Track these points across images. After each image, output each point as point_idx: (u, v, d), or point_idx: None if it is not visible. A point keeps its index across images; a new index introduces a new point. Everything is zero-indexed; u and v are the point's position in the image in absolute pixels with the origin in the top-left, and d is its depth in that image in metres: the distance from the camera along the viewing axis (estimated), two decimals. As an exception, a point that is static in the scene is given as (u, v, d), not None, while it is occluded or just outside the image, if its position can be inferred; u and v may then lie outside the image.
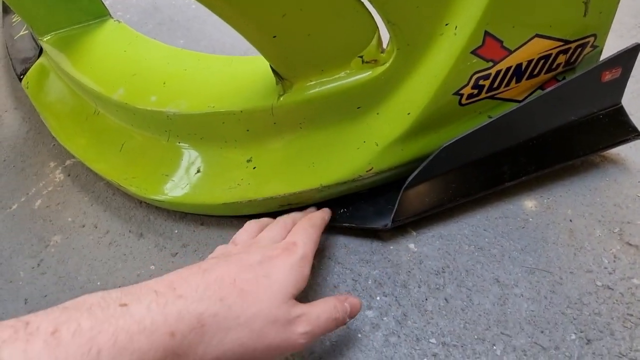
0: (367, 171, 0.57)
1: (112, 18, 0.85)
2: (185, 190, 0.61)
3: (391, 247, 0.58)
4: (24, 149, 0.87)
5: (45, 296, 0.61)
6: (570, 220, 0.58)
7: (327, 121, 0.56)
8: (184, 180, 0.62)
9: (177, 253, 0.63)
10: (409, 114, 0.54)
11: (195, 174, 0.61)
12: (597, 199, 0.60)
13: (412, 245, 0.58)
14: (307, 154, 0.57)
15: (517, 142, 0.59)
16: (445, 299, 0.51)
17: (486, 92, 0.56)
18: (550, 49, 0.54)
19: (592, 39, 0.56)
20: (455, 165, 0.58)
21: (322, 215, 0.56)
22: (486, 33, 0.49)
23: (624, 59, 0.55)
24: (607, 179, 0.62)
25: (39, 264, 0.65)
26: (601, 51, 0.58)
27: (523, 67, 0.55)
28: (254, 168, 0.58)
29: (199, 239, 0.64)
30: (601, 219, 0.57)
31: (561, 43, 0.54)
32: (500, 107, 0.59)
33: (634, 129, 0.61)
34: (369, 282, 0.55)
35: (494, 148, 0.59)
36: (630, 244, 0.54)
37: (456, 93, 0.54)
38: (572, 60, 0.57)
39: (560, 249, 0.54)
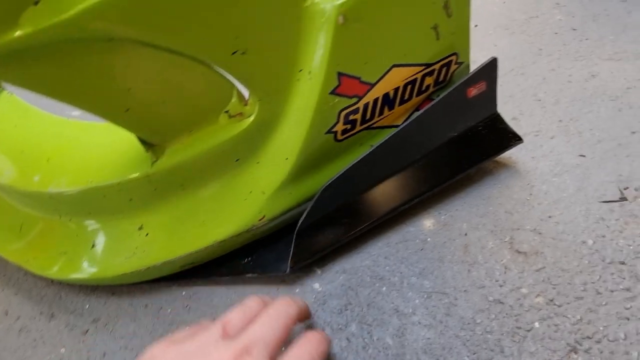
0: (259, 220, 0.56)
1: (4, 90, 0.83)
2: (85, 265, 0.60)
3: (297, 290, 0.58)
4: None
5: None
6: (465, 234, 0.59)
7: (208, 178, 0.56)
8: (82, 256, 0.60)
9: (87, 330, 0.61)
10: (287, 159, 0.54)
11: (92, 248, 0.59)
12: (490, 207, 0.61)
13: (316, 285, 0.58)
14: (196, 213, 0.57)
15: (402, 166, 0.60)
16: (347, 339, 0.51)
17: (360, 125, 0.56)
18: (414, 74, 0.55)
19: (454, 57, 0.57)
20: (343, 200, 0.58)
21: (297, 306, 0.45)
22: (339, 74, 0.49)
23: (485, 73, 0.57)
24: (499, 185, 0.63)
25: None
26: (468, 65, 0.60)
27: (391, 95, 0.56)
28: (147, 235, 0.57)
29: (109, 311, 0.62)
30: (493, 229, 0.58)
31: (422, 67, 0.55)
32: (380, 135, 0.59)
33: (514, 134, 0.63)
34: (278, 331, 0.54)
35: (380, 176, 0.59)
36: (519, 252, 0.55)
37: (329, 132, 0.54)
38: (441, 80, 0.59)
39: (456, 267, 0.55)
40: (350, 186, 0.57)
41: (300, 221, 0.56)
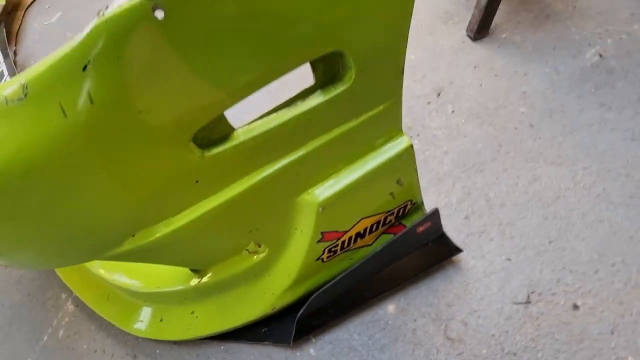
0: (272, 310, 0.83)
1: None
2: (153, 329, 0.89)
3: (298, 354, 0.86)
4: (40, 282, 1.15)
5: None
6: (415, 320, 0.84)
7: (237, 285, 0.82)
8: (151, 323, 0.89)
9: (160, 369, 0.91)
10: (289, 275, 0.80)
11: (160, 321, 0.88)
12: (435, 299, 0.85)
13: (312, 351, 0.85)
14: (230, 305, 0.84)
15: (372, 275, 0.84)
16: (329, 393, 0.79)
17: (340, 251, 0.80)
18: (378, 219, 0.78)
19: (408, 202, 0.79)
20: (329, 300, 0.83)
21: None
22: (322, 232, 0.73)
23: (429, 218, 0.79)
24: (446, 280, 0.87)
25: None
26: (422, 202, 0.81)
27: (361, 232, 0.79)
28: (197, 317, 0.85)
29: (174, 357, 0.92)
30: (435, 317, 0.83)
31: (384, 214, 0.77)
32: (358, 252, 0.83)
33: (456, 247, 0.85)
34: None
35: (355, 282, 0.84)
36: (449, 338, 0.80)
37: (317, 259, 0.78)
38: (400, 214, 0.81)
39: (405, 346, 0.81)
40: (333, 292, 0.82)
41: (299, 314, 0.82)
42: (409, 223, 0.85)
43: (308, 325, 0.85)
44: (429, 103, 1.16)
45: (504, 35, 1.27)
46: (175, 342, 0.94)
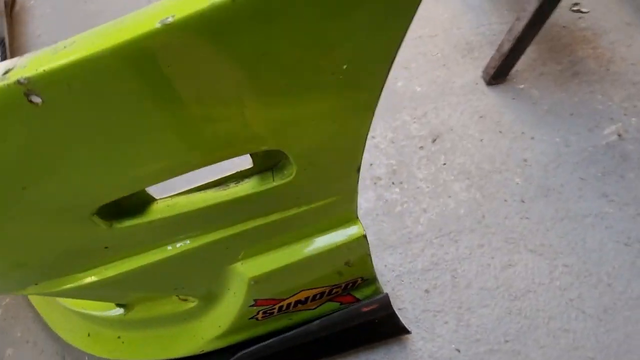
0: (200, 351, 0.79)
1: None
2: (81, 340, 0.86)
3: (221, 398, 0.82)
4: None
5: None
6: (345, 393, 0.79)
7: (167, 325, 0.78)
8: (79, 335, 0.86)
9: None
10: (219, 326, 0.75)
11: (87, 336, 0.85)
12: (372, 376, 0.80)
13: (235, 399, 0.82)
14: (159, 339, 0.80)
15: (310, 340, 0.79)
16: None
17: (278, 313, 0.75)
18: (322, 290, 0.72)
19: (359, 279, 0.72)
20: (260, 357, 0.79)
21: None
22: (255, 299, 0.67)
23: (378, 301, 0.72)
24: (389, 356, 0.82)
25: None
26: (375, 278, 0.75)
27: (303, 299, 0.73)
28: (123, 342, 0.82)
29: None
30: (365, 396, 0.79)
31: (330, 287, 0.71)
32: (298, 314, 0.78)
33: (404, 328, 0.79)
34: None
35: (291, 345, 0.79)
36: (373, 423, 0.76)
37: (251, 319, 0.73)
38: (349, 287, 0.75)
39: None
40: (267, 352, 0.77)
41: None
42: (358, 294, 0.80)
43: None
44: (421, 148, 1.07)
45: (522, 86, 1.16)
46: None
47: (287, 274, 0.63)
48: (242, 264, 0.62)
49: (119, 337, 0.84)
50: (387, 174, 1.04)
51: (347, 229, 0.60)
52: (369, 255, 0.66)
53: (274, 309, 0.73)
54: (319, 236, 0.60)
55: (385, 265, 0.93)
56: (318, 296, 0.74)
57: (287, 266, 0.61)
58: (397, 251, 0.94)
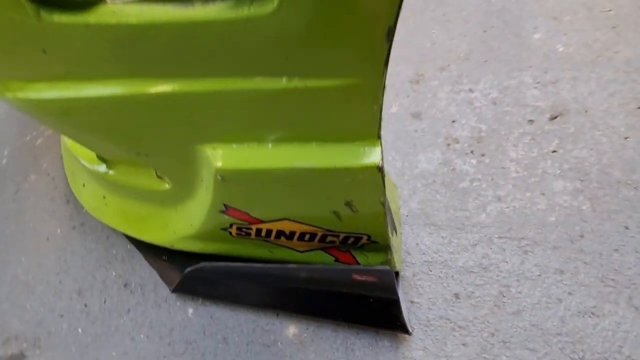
0: (170, 246, 0.69)
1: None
2: (77, 189, 0.82)
3: (178, 304, 0.73)
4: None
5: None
6: (303, 365, 0.63)
7: (146, 201, 0.68)
8: (76, 184, 0.82)
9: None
10: (191, 225, 0.62)
11: (82, 186, 0.81)
12: (342, 361, 0.62)
13: (190, 310, 0.72)
14: (138, 214, 0.71)
15: (288, 285, 0.62)
16: (198, 347, 0.67)
17: (256, 237, 0.59)
18: (312, 231, 0.54)
19: (364, 236, 0.52)
20: (227, 277, 0.66)
21: None
22: (225, 205, 0.52)
23: (377, 275, 0.52)
24: (372, 350, 0.62)
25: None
26: (387, 246, 0.54)
27: (287, 233, 0.56)
28: (106, 204, 0.75)
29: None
30: (325, 380, 0.61)
31: (322, 230, 0.53)
32: (282, 250, 0.61)
33: (404, 326, 0.58)
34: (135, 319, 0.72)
35: (264, 280, 0.64)
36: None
37: (224, 230, 0.59)
38: (350, 243, 0.55)
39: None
40: (235, 273, 0.64)
41: (187, 269, 0.67)
42: (361, 258, 0.60)
43: (193, 287, 0.70)
44: (530, 122, 0.78)
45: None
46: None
47: (264, 183, 0.46)
48: (212, 149, 0.47)
49: (104, 197, 0.78)
50: (468, 139, 0.78)
51: (358, 148, 0.40)
52: (384, 206, 0.46)
53: (250, 229, 0.58)
54: (313, 144, 0.42)
55: (417, 244, 0.71)
56: (307, 237, 0.57)
57: (264, 172, 0.44)
58: (440, 234, 0.71)
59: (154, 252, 0.79)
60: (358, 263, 0.59)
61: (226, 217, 0.56)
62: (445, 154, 0.79)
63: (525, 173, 0.74)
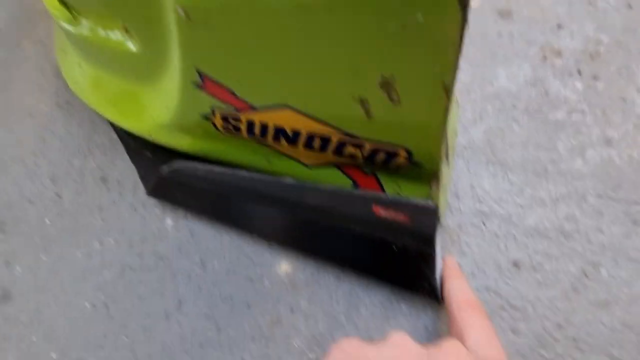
0: (149, 135, 0.54)
1: None
2: (60, 56, 0.68)
3: (156, 211, 0.59)
4: None
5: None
6: (292, 310, 0.49)
7: (117, 72, 0.51)
8: (60, 51, 0.67)
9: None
10: (167, 107, 0.46)
11: (64, 53, 0.66)
12: (342, 317, 0.47)
13: (169, 221, 0.58)
14: (112, 97, 0.56)
15: (288, 210, 0.46)
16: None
17: (248, 135, 0.42)
18: (324, 133, 0.35)
19: (401, 151, 0.33)
20: (208, 185, 0.50)
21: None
22: (199, 71, 0.34)
23: (410, 209, 0.33)
24: (386, 311, 0.46)
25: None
26: (435, 173, 0.35)
27: (289, 133, 0.38)
28: (83, 77, 0.60)
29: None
30: (313, 336, 0.47)
31: (339, 133, 0.34)
32: (283, 161, 0.44)
33: (433, 288, 0.40)
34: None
35: (246, 194, 0.47)
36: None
37: (205, 118, 0.42)
38: (379, 161, 0.37)
39: (256, 318, 0.49)
40: (217, 181, 0.48)
41: (164, 168, 0.52)
42: (390, 186, 0.42)
43: (170, 192, 0.55)
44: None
45: None
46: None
47: (248, 28, 0.28)
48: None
49: (79, 65, 0.62)
50: (578, 53, 0.53)
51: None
52: (448, 96, 0.27)
53: (239, 120, 0.40)
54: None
55: (473, 187, 0.52)
56: (318, 143, 0.39)
57: (239, 8, 0.26)
58: (509, 177, 0.51)
59: (137, 145, 0.66)
60: (383, 191, 0.42)
61: (204, 94, 0.38)
62: (538, 70, 0.56)
63: (658, 112, 0.51)
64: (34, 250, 0.62)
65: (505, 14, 0.60)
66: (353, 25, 0.23)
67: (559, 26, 0.56)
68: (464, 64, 0.58)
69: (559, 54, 0.55)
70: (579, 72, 0.53)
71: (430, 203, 0.35)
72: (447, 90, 0.25)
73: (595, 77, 0.52)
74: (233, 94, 0.36)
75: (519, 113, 0.53)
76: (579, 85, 0.52)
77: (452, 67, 0.24)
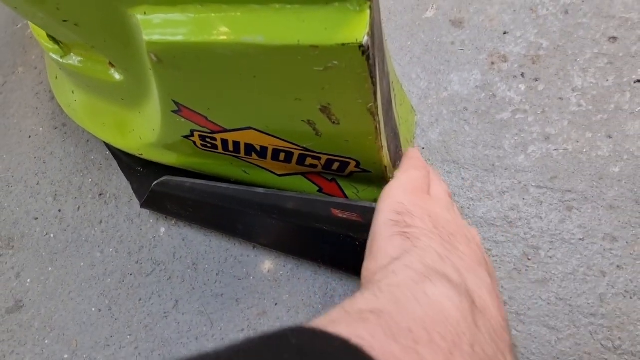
0: (139, 154, 0.60)
1: None
2: (52, 79, 0.73)
3: (151, 221, 0.65)
4: None
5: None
6: (277, 303, 0.55)
7: (106, 98, 0.57)
8: (52, 74, 0.73)
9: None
10: (154, 130, 0.52)
11: (55, 78, 0.71)
12: (322, 308, 0.53)
13: (163, 230, 0.64)
14: (104, 115, 0.61)
15: (266, 214, 0.52)
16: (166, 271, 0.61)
17: (224, 151, 0.48)
18: (286, 147, 0.41)
19: (352, 162, 0.39)
20: (194, 195, 0.56)
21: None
22: (175, 101, 0.40)
23: (360, 210, 0.39)
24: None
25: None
26: (383, 178, 0.41)
27: (258, 148, 0.44)
28: (75, 100, 0.65)
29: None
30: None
31: (298, 148, 0.40)
32: (258, 171, 0.50)
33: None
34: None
35: (232, 204, 0.53)
36: None
37: (185, 138, 0.48)
38: (335, 169, 0.42)
39: (243, 313, 0.55)
40: (202, 191, 0.54)
41: (155, 183, 0.57)
42: (350, 191, 0.48)
43: (161, 203, 0.61)
44: None
45: None
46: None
47: (209, 68, 0.34)
48: (142, 13, 0.34)
49: (72, 92, 0.68)
50: (521, 58, 0.59)
51: (332, 14, 0.26)
52: (374, 117, 0.32)
53: (215, 140, 0.46)
54: (269, 10, 0.27)
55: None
56: (283, 156, 0.44)
57: (203, 48, 0.31)
58: (462, 174, 0.57)
59: (129, 162, 0.71)
60: (346, 197, 0.47)
61: (182, 119, 0.44)
62: (487, 75, 0.62)
63: (590, 107, 0.56)
64: (41, 262, 0.68)
65: (457, 23, 0.66)
66: (287, 67, 0.29)
67: (505, 33, 0.62)
68: (421, 72, 0.64)
69: (505, 59, 0.61)
70: (522, 75, 0.59)
71: (375, 205, 0.41)
72: (373, 113, 0.31)
73: (536, 79, 0.58)
74: (206, 118, 0.41)
75: (470, 115, 0.59)
76: (522, 87, 0.58)
77: (371, 96, 0.29)
